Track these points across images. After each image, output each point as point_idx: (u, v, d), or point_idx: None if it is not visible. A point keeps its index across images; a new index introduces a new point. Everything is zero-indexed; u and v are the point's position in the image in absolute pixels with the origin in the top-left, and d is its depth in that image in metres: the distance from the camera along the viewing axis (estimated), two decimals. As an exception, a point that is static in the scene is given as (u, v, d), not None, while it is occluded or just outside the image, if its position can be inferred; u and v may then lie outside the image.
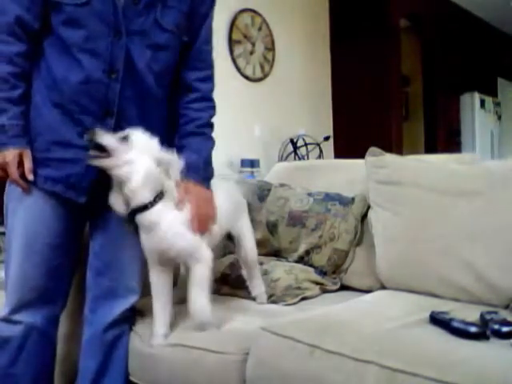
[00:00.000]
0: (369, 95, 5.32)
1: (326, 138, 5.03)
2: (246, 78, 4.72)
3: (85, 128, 1.43)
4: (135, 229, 1.48)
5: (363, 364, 1.14)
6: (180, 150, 1.55)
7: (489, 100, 6.79)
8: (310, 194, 1.99)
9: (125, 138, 1.40)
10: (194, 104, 1.62)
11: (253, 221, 2.00)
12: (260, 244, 1.96)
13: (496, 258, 1.48)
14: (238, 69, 4.64)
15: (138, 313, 1.66)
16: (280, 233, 1.98)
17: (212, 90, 1.66)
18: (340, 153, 5.34)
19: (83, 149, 1.44)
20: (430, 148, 6.05)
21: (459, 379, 1.01)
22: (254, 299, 1.73)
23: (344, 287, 1.87)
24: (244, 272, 1.75)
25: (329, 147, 5.30)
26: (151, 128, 1.50)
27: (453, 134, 6.40)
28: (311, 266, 1.88)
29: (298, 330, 1.31)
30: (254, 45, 4.78)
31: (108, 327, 1.58)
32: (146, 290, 1.61)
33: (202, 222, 1.51)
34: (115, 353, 1.59)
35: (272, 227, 2.00)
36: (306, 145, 4.85)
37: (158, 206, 1.43)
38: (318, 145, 4.88)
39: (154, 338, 1.52)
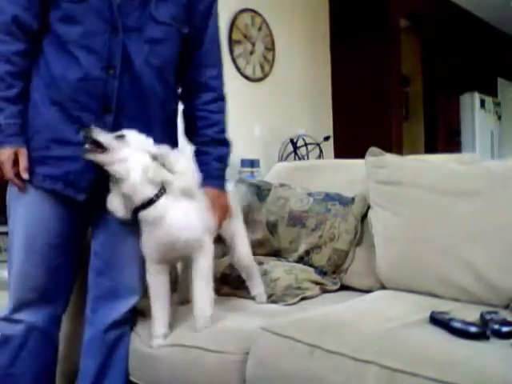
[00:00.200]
0: (369, 95, 5.32)
1: (326, 138, 5.03)
2: (246, 78, 4.72)
3: (83, 125, 1.43)
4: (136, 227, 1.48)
5: (363, 364, 1.14)
6: (201, 155, 1.62)
7: (489, 100, 6.79)
8: (310, 194, 1.99)
9: (120, 137, 1.42)
10: (211, 105, 1.63)
11: (253, 221, 2.00)
12: (260, 244, 1.96)
13: (496, 258, 1.48)
14: (238, 69, 4.64)
15: (138, 313, 1.66)
16: (280, 233, 1.98)
17: (224, 86, 1.68)
18: (340, 153, 5.34)
19: (81, 146, 1.44)
20: (430, 148, 6.05)
21: (459, 379, 1.01)
22: (253, 299, 1.73)
23: (344, 287, 1.87)
24: (243, 273, 1.75)
25: (329, 147, 5.30)
26: (150, 124, 1.50)
27: (453, 134, 6.40)
28: (311, 266, 1.88)
29: (298, 329, 1.31)
30: (254, 45, 4.78)
31: (109, 327, 1.58)
32: (146, 291, 1.62)
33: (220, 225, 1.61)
34: (116, 353, 1.59)
35: (272, 227, 2.00)
36: (306, 145, 4.85)
37: (162, 200, 1.44)
38: (318, 145, 4.88)
39: (154, 338, 1.52)
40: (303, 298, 1.73)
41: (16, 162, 1.46)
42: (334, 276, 1.88)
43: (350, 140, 5.20)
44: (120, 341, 1.60)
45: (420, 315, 1.34)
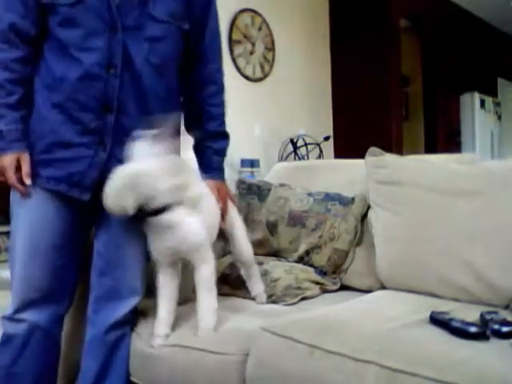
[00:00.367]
0: (369, 95, 5.32)
1: (326, 138, 5.03)
2: (246, 77, 4.72)
3: (84, 126, 1.44)
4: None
5: (363, 364, 1.14)
6: (202, 149, 1.69)
7: (489, 100, 6.79)
8: (309, 194, 1.99)
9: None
10: (213, 99, 1.67)
11: (253, 221, 2.00)
12: (260, 244, 1.96)
13: (496, 257, 1.48)
14: (238, 69, 4.64)
15: (139, 313, 1.66)
16: (280, 233, 1.98)
17: (223, 78, 1.73)
18: (340, 153, 5.34)
19: (83, 147, 1.46)
20: (430, 148, 6.05)
21: (459, 379, 1.01)
22: (253, 299, 1.73)
23: (344, 287, 1.87)
24: (243, 272, 1.75)
25: (329, 147, 5.30)
26: (152, 122, 1.50)
27: (453, 134, 6.40)
28: (311, 266, 1.88)
29: (298, 330, 1.31)
30: (254, 45, 4.78)
31: (110, 328, 1.58)
32: (148, 291, 1.62)
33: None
34: (117, 354, 1.59)
35: (272, 227, 2.00)
36: (306, 145, 4.85)
37: (178, 208, 1.45)
38: (318, 145, 4.88)
39: (156, 338, 1.52)
40: (303, 298, 1.73)
41: (18, 168, 1.47)
42: (334, 276, 1.88)
43: (350, 140, 5.20)
44: (121, 341, 1.60)
45: (420, 315, 1.34)
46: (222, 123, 1.70)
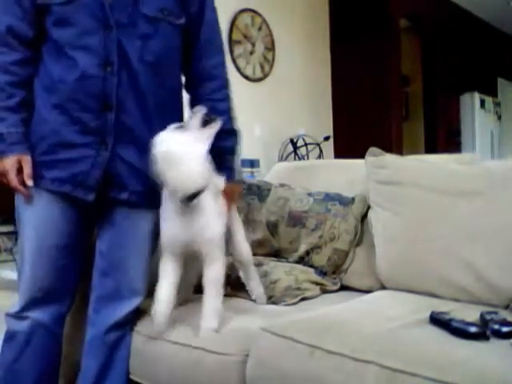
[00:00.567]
0: (369, 95, 5.32)
1: (326, 138, 5.03)
2: (246, 78, 4.73)
3: (85, 125, 1.44)
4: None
5: (363, 364, 1.14)
6: (212, 147, 1.56)
7: (489, 100, 6.79)
8: (310, 194, 1.99)
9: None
10: (216, 94, 1.63)
11: (253, 221, 2.00)
12: (260, 244, 1.96)
13: (496, 258, 1.48)
14: (238, 69, 4.64)
15: (140, 312, 1.65)
16: (280, 233, 1.98)
17: (227, 73, 1.68)
18: (340, 153, 5.34)
19: (86, 147, 1.46)
20: (430, 148, 6.05)
21: (459, 379, 1.01)
22: (254, 300, 1.73)
23: (344, 287, 1.87)
24: (241, 274, 1.74)
25: (329, 147, 5.30)
26: (151, 120, 1.50)
27: (453, 134, 6.41)
28: (311, 266, 1.88)
29: (298, 330, 1.31)
30: (253, 45, 4.78)
31: (111, 328, 1.58)
32: (149, 291, 1.62)
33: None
34: (117, 354, 1.59)
35: (272, 227, 2.00)
36: (306, 145, 4.86)
37: (207, 192, 1.45)
38: (318, 145, 4.88)
39: (156, 317, 1.49)
40: (303, 299, 1.72)
41: (20, 170, 1.47)
42: (334, 276, 1.88)
43: (350, 140, 5.20)
44: (121, 341, 1.60)
45: (420, 315, 1.34)
46: (229, 120, 1.65)
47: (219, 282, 1.50)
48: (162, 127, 1.45)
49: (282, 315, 1.51)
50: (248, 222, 1.96)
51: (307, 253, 1.90)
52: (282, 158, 4.77)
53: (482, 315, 1.28)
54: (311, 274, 1.83)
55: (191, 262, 1.58)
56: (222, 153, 1.60)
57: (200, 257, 1.51)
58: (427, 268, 1.59)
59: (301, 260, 1.91)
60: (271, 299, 1.72)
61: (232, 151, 1.68)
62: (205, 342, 1.44)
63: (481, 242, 1.51)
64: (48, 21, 1.45)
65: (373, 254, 1.75)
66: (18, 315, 1.53)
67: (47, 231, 1.51)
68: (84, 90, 1.44)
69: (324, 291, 1.81)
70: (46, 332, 1.55)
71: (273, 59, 4.96)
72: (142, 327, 1.62)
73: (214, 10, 1.65)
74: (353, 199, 1.91)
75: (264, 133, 4.83)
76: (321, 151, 4.90)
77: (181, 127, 1.44)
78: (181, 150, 1.39)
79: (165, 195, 1.49)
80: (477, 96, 6.54)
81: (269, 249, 1.99)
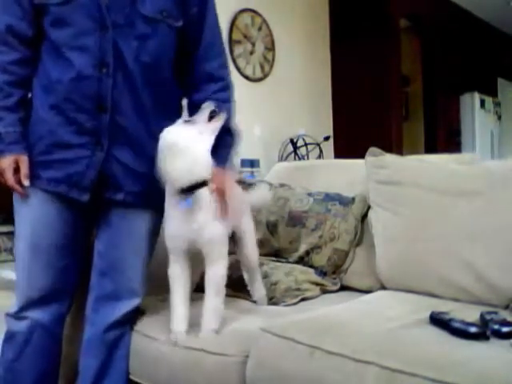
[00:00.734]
0: (369, 95, 5.32)
1: (326, 138, 5.03)
2: (246, 77, 4.73)
3: (80, 126, 1.44)
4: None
5: (363, 364, 1.13)
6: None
7: (489, 100, 6.79)
8: (309, 194, 1.99)
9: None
10: (219, 95, 1.61)
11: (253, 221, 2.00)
12: (260, 244, 1.96)
13: (496, 258, 1.48)
14: (238, 69, 4.64)
15: (139, 311, 1.65)
16: (280, 233, 1.98)
17: (229, 74, 1.68)
18: (340, 153, 5.34)
19: (81, 147, 1.46)
20: (430, 148, 6.05)
21: (459, 380, 1.00)
22: (254, 302, 1.73)
23: (344, 287, 1.87)
24: (245, 276, 1.74)
25: (329, 147, 5.30)
26: (147, 121, 1.50)
27: (453, 134, 6.40)
28: (311, 266, 1.88)
29: (298, 330, 1.31)
30: (253, 45, 4.78)
31: (110, 327, 1.58)
32: (147, 290, 1.62)
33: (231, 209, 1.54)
34: (116, 353, 1.59)
35: (272, 227, 2.00)
36: (305, 145, 4.85)
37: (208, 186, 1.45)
38: (318, 145, 4.88)
39: (176, 334, 1.48)
40: (303, 299, 1.72)
41: (17, 170, 1.47)
42: (333, 276, 1.87)
43: (350, 140, 5.20)
44: (120, 340, 1.60)
45: (420, 315, 1.34)
46: (229, 119, 1.62)
47: (220, 283, 1.49)
48: (159, 128, 1.45)
49: (282, 316, 1.51)
50: (248, 222, 1.95)
51: (307, 253, 1.90)
52: (281, 158, 4.77)
53: (481, 315, 1.28)
54: (311, 275, 1.83)
55: (194, 260, 1.58)
56: (221, 147, 1.55)
57: (202, 256, 1.51)
58: (427, 268, 1.59)
59: (301, 260, 1.91)
60: (271, 300, 1.72)
61: (230, 146, 1.65)
62: (205, 343, 1.44)
63: (481, 242, 1.51)
64: (46, 21, 1.45)
65: (373, 254, 1.75)
66: (17, 315, 1.53)
67: (43, 230, 1.51)
68: (79, 90, 1.44)
69: (324, 291, 1.81)
70: (45, 332, 1.55)
71: (273, 59, 4.96)
72: (141, 327, 1.62)
73: (215, 12, 1.64)
74: (353, 199, 1.91)
75: (264, 133, 4.83)
76: (321, 151, 4.90)
77: (189, 121, 1.45)
78: (186, 141, 1.40)
79: (168, 193, 1.48)
80: (477, 96, 6.54)
81: (269, 249, 1.99)
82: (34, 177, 1.48)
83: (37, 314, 1.53)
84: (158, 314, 1.64)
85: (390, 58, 5.36)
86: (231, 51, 4.57)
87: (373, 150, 1.85)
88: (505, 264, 1.46)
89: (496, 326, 1.20)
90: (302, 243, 1.92)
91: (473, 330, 1.19)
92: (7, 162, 1.46)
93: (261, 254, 1.89)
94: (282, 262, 1.92)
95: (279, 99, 4.98)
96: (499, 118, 7.07)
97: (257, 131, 4.78)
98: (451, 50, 6.18)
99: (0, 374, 1.55)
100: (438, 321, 1.27)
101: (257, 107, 4.74)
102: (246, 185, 1.97)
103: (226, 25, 4.51)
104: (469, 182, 1.61)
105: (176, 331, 1.49)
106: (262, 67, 4.87)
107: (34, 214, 1.51)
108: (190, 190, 1.41)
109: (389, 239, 1.71)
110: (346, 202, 1.91)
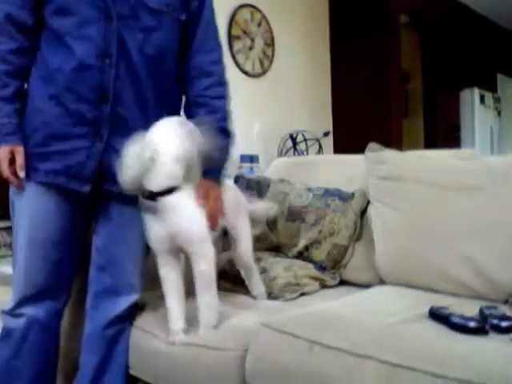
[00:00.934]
0: (368, 92, 5.31)
1: (326, 134, 5.03)
2: (246, 73, 4.71)
3: (81, 116, 1.43)
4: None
5: (363, 359, 1.14)
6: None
7: (488, 96, 6.77)
8: (309, 190, 1.99)
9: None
10: (210, 91, 1.59)
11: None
12: (259, 239, 1.96)
13: (496, 252, 1.48)
14: (238, 64, 4.62)
15: (138, 307, 1.65)
16: (279, 228, 1.98)
17: (225, 71, 1.65)
18: (339, 148, 5.33)
19: (81, 138, 1.45)
20: (430, 144, 6.04)
21: (458, 374, 1.01)
22: (254, 297, 1.73)
23: (343, 282, 1.87)
24: (242, 272, 1.74)
25: (328, 143, 5.29)
26: (148, 112, 1.49)
27: (452, 130, 6.39)
28: (311, 261, 1.88)
29: (298, 325, 1.31)
30: (253, 40, 4.76)
31: (109, 323, 1.58)
32: (145, 284, 1.61)
33: (215, 220, 1.53)
34: (116, 348, 1.60)
35: (271, 222, 2.00)
36: (305, 140, 4.85)
37: (180, 191, 1.43)
38: (318, 140, 4.88)
39: (173, 334, 1.49)
40: (302, 294, 1.73)
41: (13, 161, 1.46)
42: (333, 271, 1.88)
43: (350, 136, 5.19)
44: (120, 336, 1.60)
45: (419, 310, 1.34)
46: (223, 118, 1.60)
47: (208, 279, 1.47)
48: (159, 119, 1.45)
49: (282, 310, 1.51)
50: (247, 218, 1.95)
51: (306, 248, 1.90)
52: (281, 154, 4.76)
53: (481, 310, 1.28)
54: (310, 270, 1.83)
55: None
56: (213, 157, 1.50)
57: (189, 254, 1.50)
58: (427, 263, 1.59)
59: (300, 255, 1.91)
60: (271, 295, 1.72)
61: (223, 152, 1.58)
62: (204, 338, 1.44)
63: (480, 237, 1.51)
64: (47, 10, 1.44)
65: (372, 249, 1.75)
66: (13, 312, 1.52)
67: (41, 223, 1.50)
68: (81, 80, 1.43)
69: (323, 286, 1.81)
70: (42, 328, 1.54)
71: (272, 55, 4.94)
72: (141, 322, 1.62)
73: (211, 8, 1.64)
74: (352, 194, 1.91)
75: (263, 128, 4.81)
76: (320, 147, 4.89)
77: (178, 121, 1.44)
78: (160, 148, 1.39)
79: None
80: (476, 92, 6.52)
81: (268, 244, 1.99)
82: (31, 169, 1.47)
83: (33, 311, 1.52)
84: (157, 310, 1.64)
85: (390, 55, 5.35)
86: (230, 47, 4.55)
87: (372, 145, 1.85)
88: (504, 259, 1.46)
89: (495, 321, 1.20)
90: (302, 238, 1.92)
91: (472, 324, 1.19)
92: (3, 153, 1.45)
93: (260, 249, 1.89)
94: (282, 257, 1.93)
95: (279, 95, 4.97)
96: (499, 113, 7.05)
97: (256, 127, 4.77)
98: (450, 46, 6.17)
99: None
100: (438, 315, 1.27)
101: (256, 103, 4.73)
102: (251, 195, 1.94)
103: (226, 20, 4.49)
104: (469, 178, 1.61)
105: (174, 330, 1.49)
106: (261, 63, 4.86)
107: (31, 207, 1.50)
108: (154, 197, 1.41)
109: (388, 234, 1.71)
110: (345, 197, 1.91)
